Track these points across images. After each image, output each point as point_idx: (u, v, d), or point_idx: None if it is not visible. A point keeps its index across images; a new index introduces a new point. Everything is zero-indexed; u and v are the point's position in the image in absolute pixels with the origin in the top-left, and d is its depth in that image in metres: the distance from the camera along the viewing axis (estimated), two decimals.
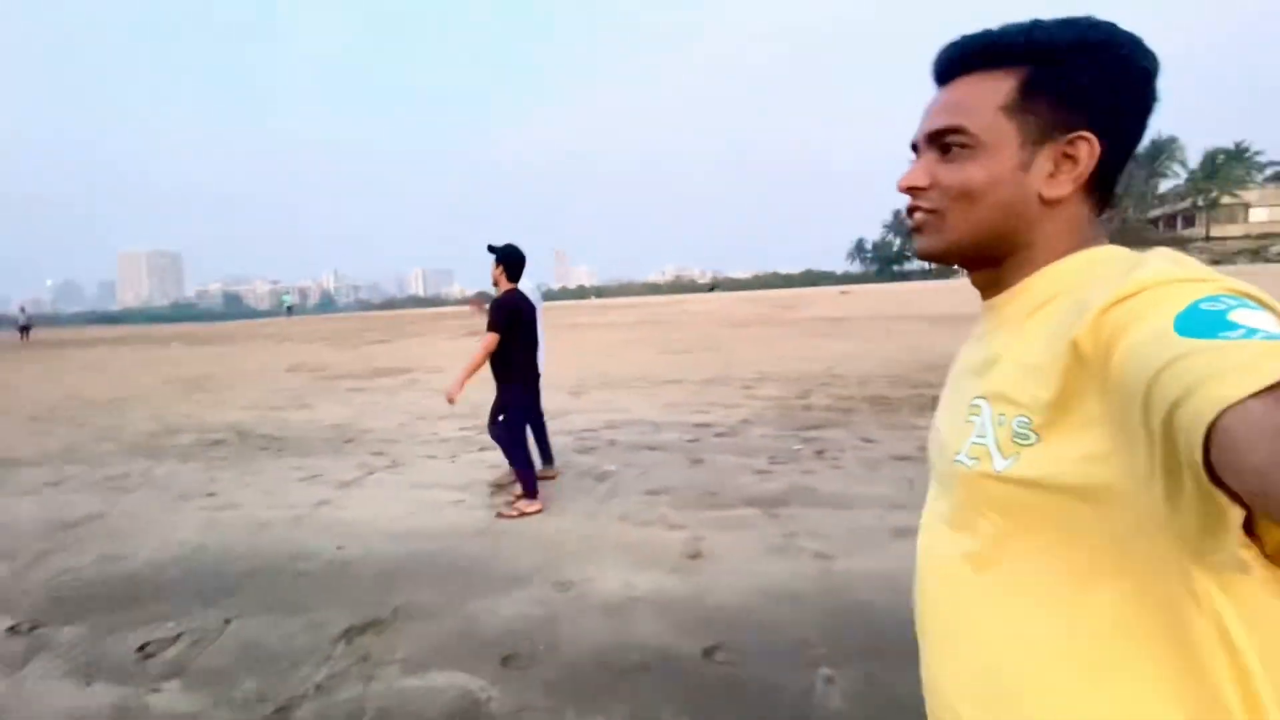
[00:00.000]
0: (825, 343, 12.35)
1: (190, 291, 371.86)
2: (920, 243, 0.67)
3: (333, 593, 3.07)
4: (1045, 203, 0.61)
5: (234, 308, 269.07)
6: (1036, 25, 0.60)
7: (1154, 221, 66.94)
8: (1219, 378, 0.38)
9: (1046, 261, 0.62)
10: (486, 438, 6.00)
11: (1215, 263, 45.39)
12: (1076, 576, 0.53)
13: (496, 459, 5.38)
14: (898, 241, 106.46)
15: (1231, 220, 63.37)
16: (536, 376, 4.41)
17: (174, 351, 19.24)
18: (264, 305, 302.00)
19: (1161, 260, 0.52)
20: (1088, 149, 0.59)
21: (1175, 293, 0.46)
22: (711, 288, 77.43)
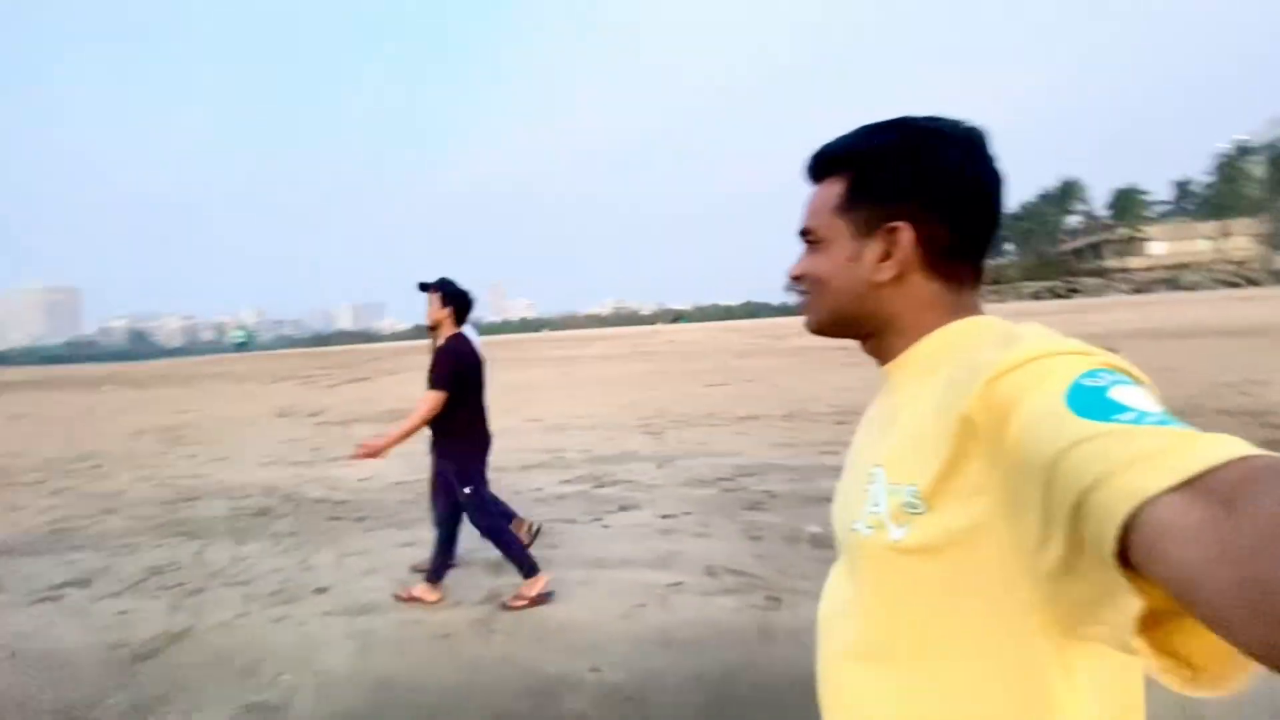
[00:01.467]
0: (871, 372, 11.84)
1: (90, 328, 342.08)
2: (804, 320, 0.76)
3: None
4: (878, 286, 0.67)
5: (142, 346, 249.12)
6: (858, 134, 0.69)
7: (1076, 253, 72.02)
8: (1130, 468, 0.39)
9: (919, 331, 0.66)
10: (625, 495, 5.03)
11: (1138, 290, 49.18)
12: (955, 653, 0.56)
13: (655, 520, 4.39)
14: None
15: (1133, 254, 69.08)
16: (488, 441, 3.44)
17: (109, 395, 16.89)
18: (176, 342, 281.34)
19: (1038, 334, 0.55)
20: (904, 237, 0.65)
21: (1059, 365, 0.48)
22: (675, 319, 77.70)
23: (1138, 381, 0.48)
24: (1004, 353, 0.52)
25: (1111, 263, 64.57)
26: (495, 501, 3.62)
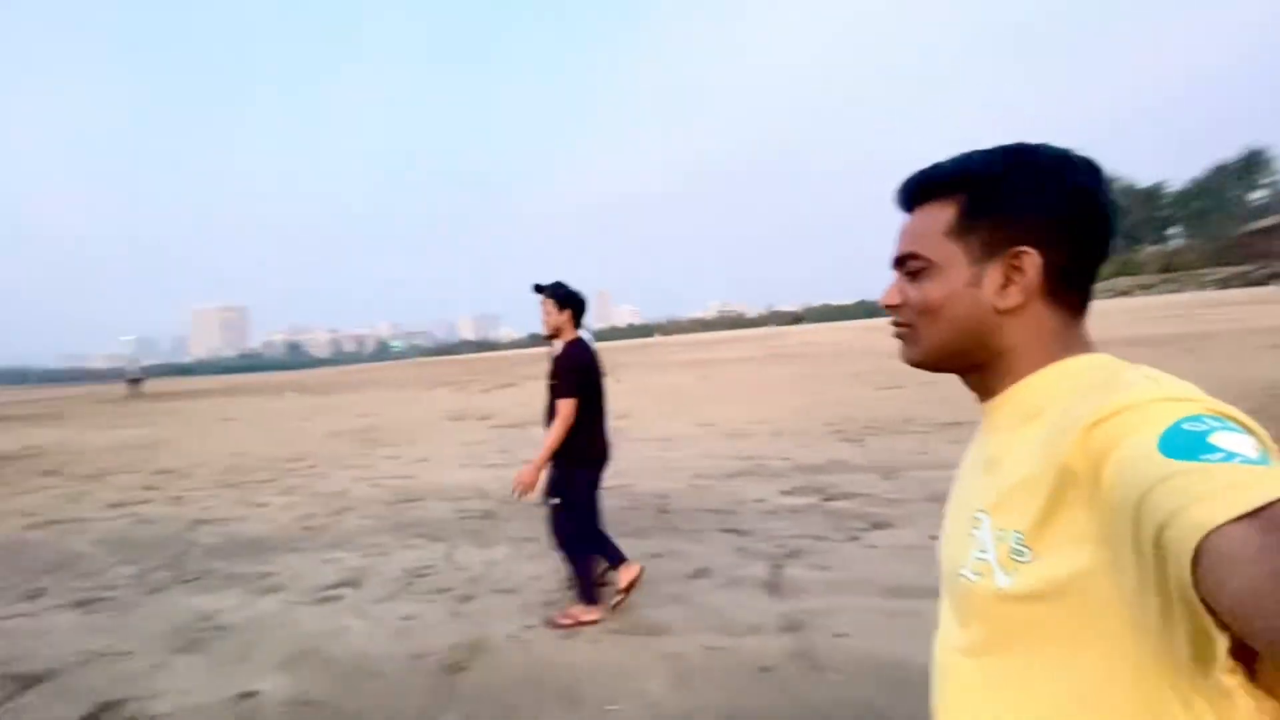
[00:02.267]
0: None
1: (256, 342, 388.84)
2: (903, 353, 0.72)
3: None
4: (1001, 313, 0.64)
5: (297, 356, 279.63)
6: (970, 157, 0.66)
7: (1264, 233, 62.20)
8: (1201, 501, 0.39)
9: (1027, 368, 0.64)
10: (866, 510, 4.44)
11: None
12: (1075, 698, 0.53)
13: (928, 541, 3.81)
14: None
15: None
16: (605, 453, 3.22)
17: (293, 401, 18.65)
18: (324, 353, 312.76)
19: (1143, 379, 0.54)
20: (1030, 261, 0.62)
21: (1158, 412, 0.48)
22: (794, 320, 75.84)
23: (1247, 429, 0.46)
24: (1105, 399, 0.51)
25: None
26: (594, 527, 3.29)
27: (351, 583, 3.87)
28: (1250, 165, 68.59)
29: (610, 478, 6.04)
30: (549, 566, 3.88)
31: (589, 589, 3.14)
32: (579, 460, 3.10)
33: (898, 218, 0.71)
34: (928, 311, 0.66)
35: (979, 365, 0.66)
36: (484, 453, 7.84)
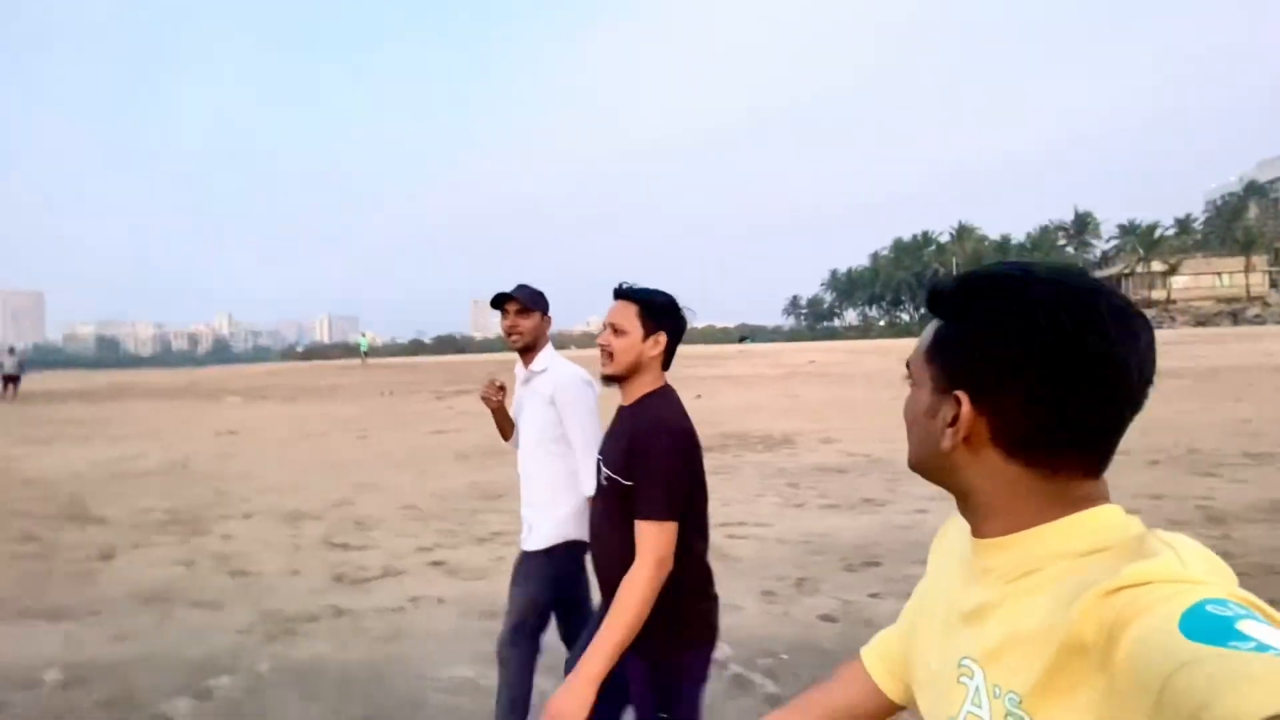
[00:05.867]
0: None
1: (55, 334, 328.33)
2: None
3: None
4: (942, 452, 0.59)
5: (110, 353, 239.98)
6: (962, 278, 0.60)
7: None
8: (1234, 691, 0.38)
9: (1007, 519, 0.57)
10: None
11: (1200, 324, 49.53)
12: None
13: None
14: (829, 298, 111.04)
15: (1157, 288, 70.42)
16: (715, 602, 1.65)
17: (246, 410, 14.95)
18: (146, 350, 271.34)
19: (1165, 548, 0.50)
20: (965, 410, 0.56)
21: (1181, 591, 0.46)
22: (742, 339, 76.79)
23: (1272, 622, 0.43)
24: (1124, 567, 0.47)
25: (1140, 296, 65.70)
26: None
27: None
28: (1082, 226, 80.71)
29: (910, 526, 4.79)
30: None
31: None
32: (686, 633, 1.55)
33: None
34: (905, 420, 0.64)
35: (955, 495, 0.61)
36: (780, 487, 6.14)
